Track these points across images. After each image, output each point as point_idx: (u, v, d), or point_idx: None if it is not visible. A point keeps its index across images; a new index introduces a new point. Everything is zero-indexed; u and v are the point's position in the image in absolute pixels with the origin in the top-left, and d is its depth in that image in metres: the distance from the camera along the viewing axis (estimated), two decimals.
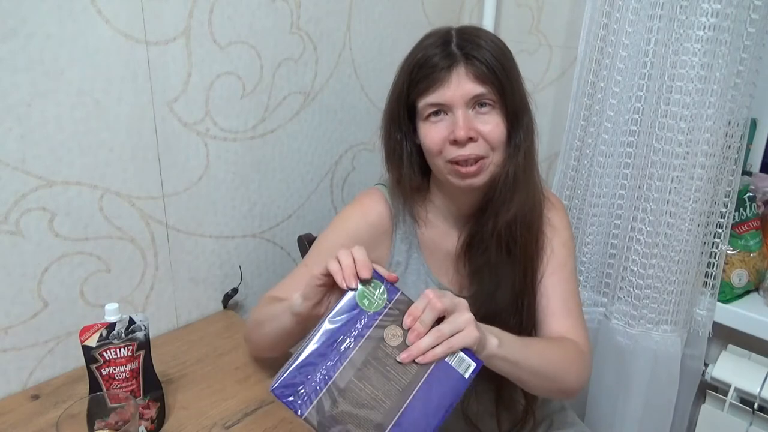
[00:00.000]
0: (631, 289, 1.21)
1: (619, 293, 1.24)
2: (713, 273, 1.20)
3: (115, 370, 0.82)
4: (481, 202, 0.90)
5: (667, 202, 1.13)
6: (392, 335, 0.69)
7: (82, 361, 0.81)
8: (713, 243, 1.18)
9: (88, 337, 0.81)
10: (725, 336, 1.24)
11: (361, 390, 0.68)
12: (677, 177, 1.11)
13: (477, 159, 0.83)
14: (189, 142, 1.08)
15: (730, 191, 1.14)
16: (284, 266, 1.30)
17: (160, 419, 0.89)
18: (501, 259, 0.90)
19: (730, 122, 1.09)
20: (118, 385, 0.83)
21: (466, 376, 0.69)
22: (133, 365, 0.83)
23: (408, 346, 0.69)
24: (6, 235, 0.91)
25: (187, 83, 1.05)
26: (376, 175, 1.42)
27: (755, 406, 1.15)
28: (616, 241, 1.26)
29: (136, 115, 1.00)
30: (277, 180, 1.24)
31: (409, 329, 0.69)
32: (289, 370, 0.68)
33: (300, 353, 0.68)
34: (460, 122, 0.81)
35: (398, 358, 0.68)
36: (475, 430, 0.99)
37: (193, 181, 1.11)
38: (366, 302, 0.70)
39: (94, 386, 0.82)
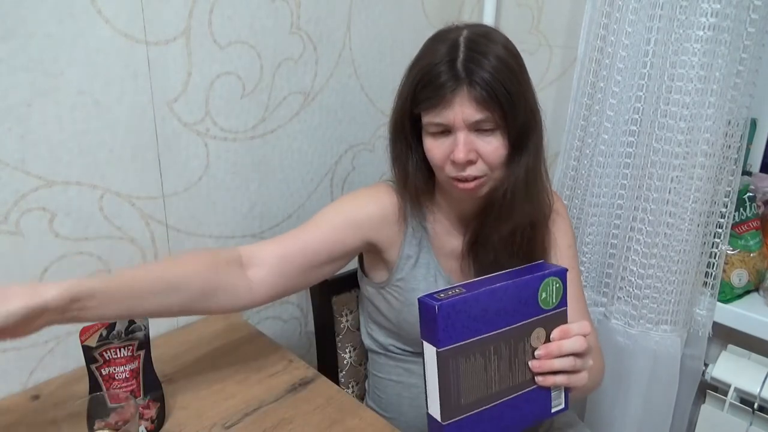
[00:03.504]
0: (631, 289, 1.21)
1: (619, 293, 1.24)
2: (713, 273, 1.20)
3: (115, 370, 0.82)
4: (484, 206, 0.91)
5: (667, 202, 1.13)
6: (537, 336, 0.69)
7: (82, 361, 0.81)
8: (713, 243, 1.18)
9: (88, 337, 0.81)
10: (725, 336, 1.24)
11: (488, 365, 0.66)
12: (677, 177, 1.11)
13: (475, 178, 0.84)
14: (189, 142, 1.08)
15: (730, 191, 1.14)
16: None
17: (160, 419, 0.89)
18: (506, 260, 0.90)
19: (730, 122, 1.09)
20: (118, 385, 0.83)
21: (552, 411, 0.70)
22: (133, 365, 0.83)
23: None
24: (6, 235, 0.91)
25: (187, 83, 1.05)
26: (376, 175, 1.43)
27: (755, 406, 1.15)
28: (616, 241, 1.26)
29: (136, 115, 1.00)
30: (277, 180, 1.24)
31: (550, 339, 0.69)
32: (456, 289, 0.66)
33: (471, 286, 0.66)
34: (460, 145, 0.82)
35: (530, 362, 0.67)
36: None
37: (193, 181, 1.11)
38: (544, 295, 0.69)
39: (94, 386, 0.82)
